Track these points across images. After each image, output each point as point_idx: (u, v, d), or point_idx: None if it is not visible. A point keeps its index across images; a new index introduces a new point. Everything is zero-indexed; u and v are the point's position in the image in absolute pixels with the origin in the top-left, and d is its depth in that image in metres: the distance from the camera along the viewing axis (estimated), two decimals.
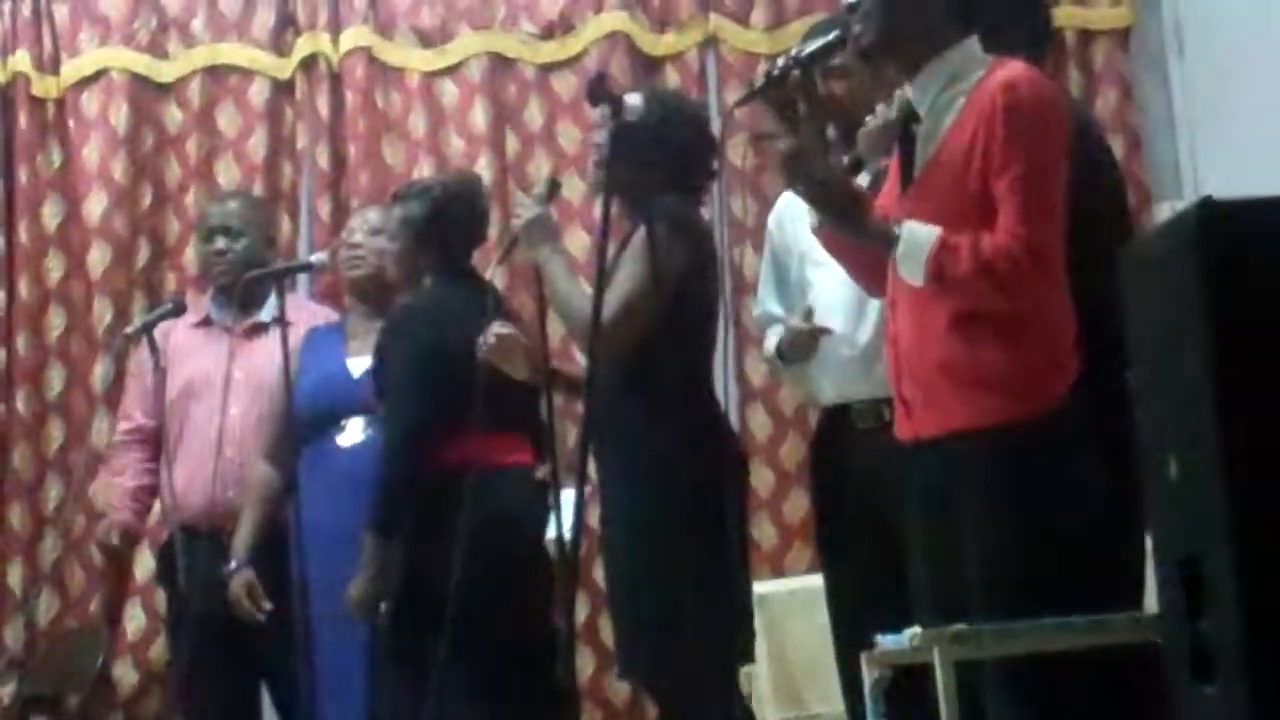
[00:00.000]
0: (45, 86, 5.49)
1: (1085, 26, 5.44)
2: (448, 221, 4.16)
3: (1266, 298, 2.27)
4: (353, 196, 5.36)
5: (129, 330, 4.76)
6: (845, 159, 3.48)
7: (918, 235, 2.84)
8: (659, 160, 3.64)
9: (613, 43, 5.46)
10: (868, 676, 2.90)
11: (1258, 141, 4.84)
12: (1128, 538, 2.91)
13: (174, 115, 5.51)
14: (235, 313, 4.64)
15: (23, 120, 5.46)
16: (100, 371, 5.31)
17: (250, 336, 4.66)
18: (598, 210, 3.45)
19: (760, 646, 4.09)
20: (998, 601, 2.77)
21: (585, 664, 5.01)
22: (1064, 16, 5.37)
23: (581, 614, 4.91)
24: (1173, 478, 2.41)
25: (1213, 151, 5.17)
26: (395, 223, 4.22)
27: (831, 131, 3.42)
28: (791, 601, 4.47)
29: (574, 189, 5.08)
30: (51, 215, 5.44)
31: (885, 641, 2.87)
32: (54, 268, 5.41)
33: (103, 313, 5.34)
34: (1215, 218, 2.31)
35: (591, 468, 3.47)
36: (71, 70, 5.51)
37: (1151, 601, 2.82)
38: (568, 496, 3.29)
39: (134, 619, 5.22)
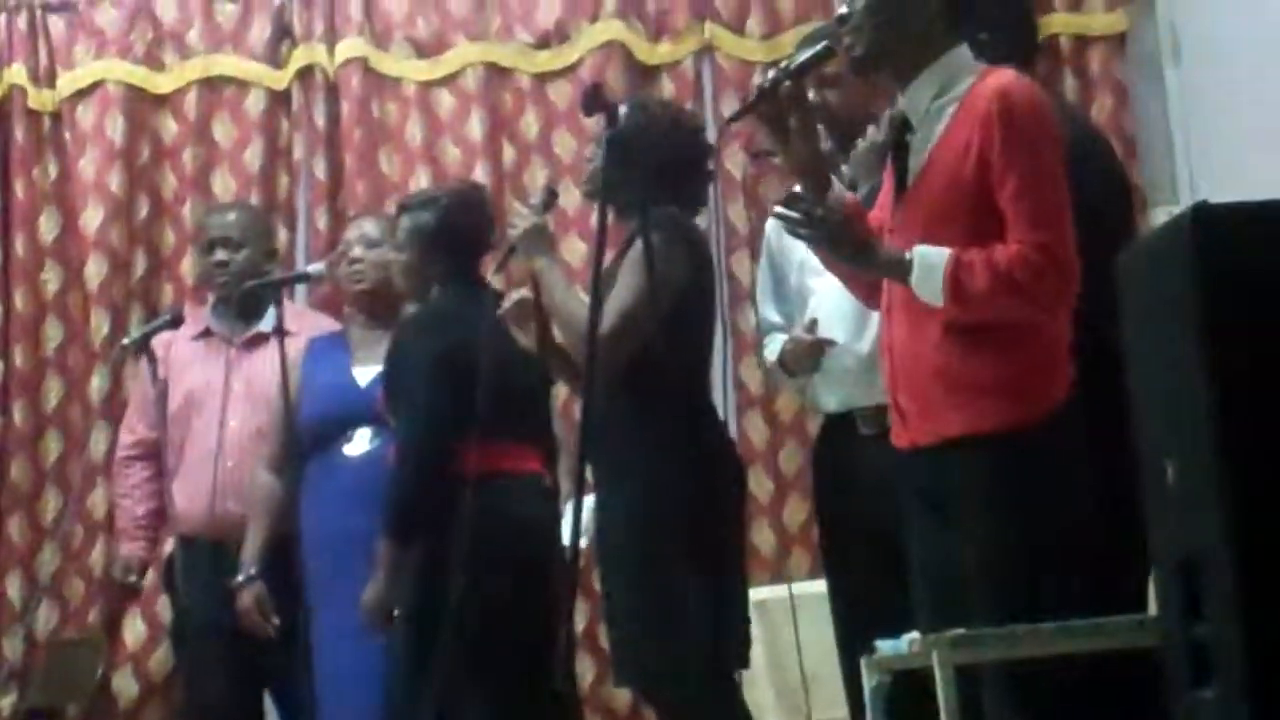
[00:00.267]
0: (41, 99, 5.49)
1: (1081, 33, 5.43)
2: (456, 230, 4.15)
3: (1261, 302, 2.27)
4: (349, 206, 5.35)
5: (126, 341, 4.74)
6: (844, 168, 3.49)
7: (929, 258, 2.84)
8: (653, 169, 3.64)
9: (608, 52, 5.46)
10: (867, 681, 2.90)
11: (1253, 147, 4.84)
12: (1126, 542, 2.91)
13: (170, 127, 5.51)
14: (235, 324, 4.64)
15: (19, 133, 5.46)
16: (98, 383, 5.31)
17: (250, 348, 4.65)
18: (594, 219, 3.45)
19: (760, 653, 4.08)
20: (996, 607, 2.77)
21: (585, 670, 5.01)
22: (1059, 23, 5.38)
23: (581, 621, 4.91)
24: (1170, 482, 2.42)
25: (1208, 157, 5.17)
26: (404, 233, 4.20)
27: (827, 142, 3.43)
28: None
29: (570, 198, 5.08)
30: (48, 227, 5.43)
31: (885, 646, 2.87)
32: (51, 280, 5.41)
33: (100, 324, 5.34)
34: (1210, 223, 2.32)
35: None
36: (67, 83, 5.50)
37: (1154, 607, 2.83)
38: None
39: (133, 629, 5.21)
